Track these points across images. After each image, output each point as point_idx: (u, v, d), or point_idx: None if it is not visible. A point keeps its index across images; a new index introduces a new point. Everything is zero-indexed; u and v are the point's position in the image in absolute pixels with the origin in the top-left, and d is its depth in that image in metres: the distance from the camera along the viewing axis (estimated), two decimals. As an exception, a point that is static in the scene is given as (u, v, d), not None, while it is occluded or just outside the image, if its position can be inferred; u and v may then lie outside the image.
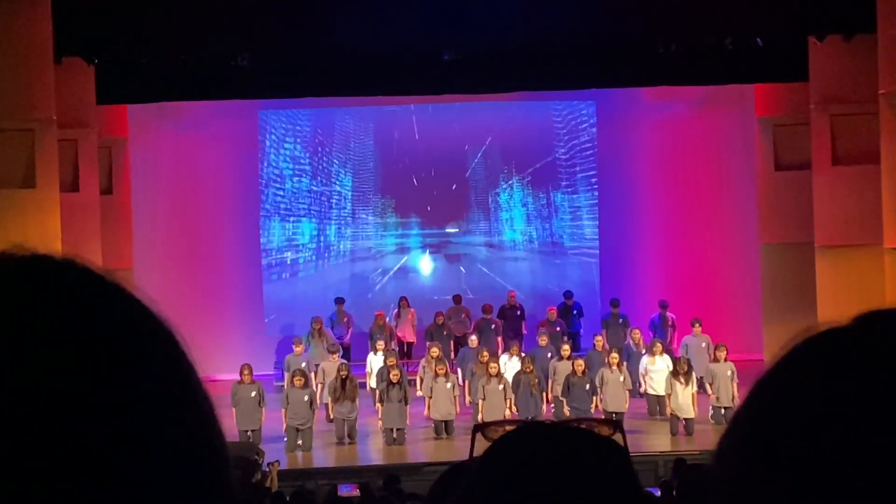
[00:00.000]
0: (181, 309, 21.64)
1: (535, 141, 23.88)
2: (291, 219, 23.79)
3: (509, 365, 18.40)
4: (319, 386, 18.52)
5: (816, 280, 19.36)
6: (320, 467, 16.58)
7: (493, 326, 21.20)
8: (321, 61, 19.13)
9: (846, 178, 19.01)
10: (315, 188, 23.80)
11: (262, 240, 23.68)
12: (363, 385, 18.75)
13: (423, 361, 18.96)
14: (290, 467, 16.13)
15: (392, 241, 24.06)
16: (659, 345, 18.69)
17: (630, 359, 19.05)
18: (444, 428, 17.68)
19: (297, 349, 19.27)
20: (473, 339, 19.86)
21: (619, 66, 19.71)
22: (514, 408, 17.65)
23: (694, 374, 17.83)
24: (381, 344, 19.73)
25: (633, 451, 12.36)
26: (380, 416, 17.60)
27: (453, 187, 23.87)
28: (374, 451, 17.57)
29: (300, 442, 17.21)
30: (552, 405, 18.18)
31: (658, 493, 12.02)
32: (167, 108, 21.69)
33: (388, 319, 21.81)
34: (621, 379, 17.84)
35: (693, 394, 17.62)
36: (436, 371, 17.89)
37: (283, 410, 17.37)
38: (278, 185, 23.71)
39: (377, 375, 18.54)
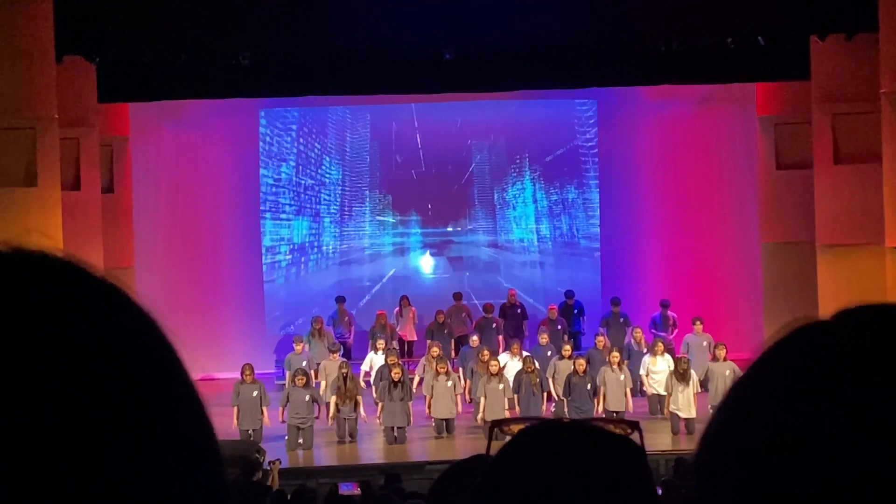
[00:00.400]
0: (182, 307, 21.68)
1: (536, 140, 23.88)
2: (293, 217, 23.80)
3: (510, 364, 18.40)
4: (323, 383, 18.51)
5: (818, 279, 19.34)
6: (321, 466, 16.58)
7: (493, 325, 21.21)
8: (322, 60, 19.14)
9: (848, 177, 19.00)
10: (317, 187, 23.81)
11: (263, 238, 23.69)
12: (366, 384, 18.75)
13: (423, 360, 18.97)
14: (291, 466, 16.14)
15: (394, 239, 24.07)
16: (661, 344, 18.69)
17: (631, 358, 19.05)
18: (444, 427, 17.68)
19: (298, 348, 19.29)
20: (475, 339, 19.88)
21: (620, 64, 19.70)
22: (516, 407, 17.66)
23: (695, 373, 17.84)
24: (381, 342, 19.74)
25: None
26: (378, 415, 17.60)
27: (455, 187, 23.87)
28: (375, 450, 17.57)
29: (301, 441, 17.22)
30: (553, 404, 18.18)
31: (660, 492, 12.04)
32: (168, 107, 21.69)
33: (388, 318, 21.82)
34: (622, 378, 17.84)
35: (694, 393, 17.62)
36: (436, 370, 17.89)
37: (281, 409, 17.39)
38: (280, 184, 23.71)
39: (377, 374, 18.54)
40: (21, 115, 16.50)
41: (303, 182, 23.76)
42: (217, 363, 21.79)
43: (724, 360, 18.02)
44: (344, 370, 17.82)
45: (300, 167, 23.73)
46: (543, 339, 19.53)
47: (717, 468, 0.91)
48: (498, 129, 23.78)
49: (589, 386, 17.68)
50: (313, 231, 23.92)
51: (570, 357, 18.26)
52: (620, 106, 23.41)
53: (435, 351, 18.64)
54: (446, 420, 17.69)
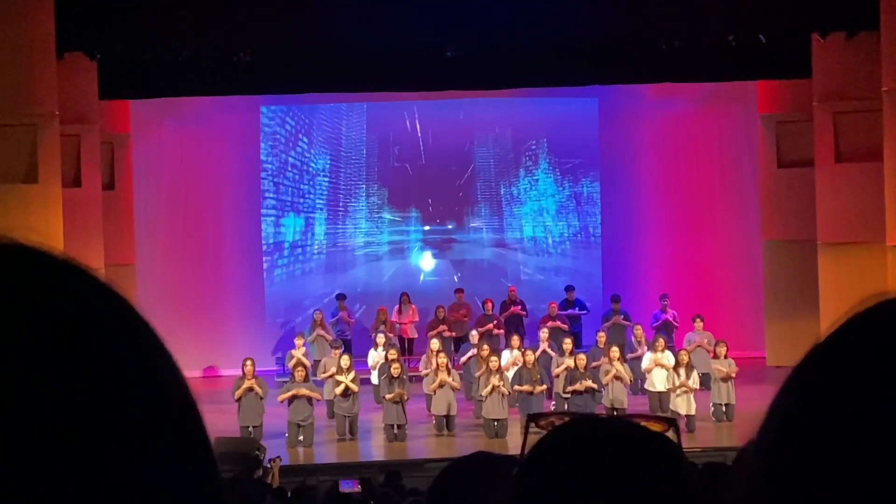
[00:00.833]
0: (182, 304, 21.71)
1: (536, 138, 23.88)
2: (294, 214, 23.80)
3: (510, 360, 18.39)
4: (324, 380, 18.49)
5: (819, 277, 19.34)
6: (321, 463, 16.57)
7: (493, 322, 21.22)
8: (324, 57, 19.13)
9: (849, 176, 18.99)
10: (319, 184, 23.81)
11: (264, 235, 23.69)
12: (366, 381, 18.74)
13: (424, 358, 18.97)
14: (291, 463, 16.13)
15: (396, 237, 24.06)
16: (661, 341, 18.68)
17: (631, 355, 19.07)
18: (445, 424, 17.67)
19: (299, 344, 19.29)
20: (474, 335, 19.90)
21: (621, 62, 19.69)
22: (515, 404, 17.66)
23: (695, 371, 17.83)
24: (381, 338, 19.76)
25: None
26: (384, 395, 17.42)
27: (456, 184, 23.87)
28: (375, 448, 17.57)
29: (301, 438, 17.21)
30: (553, 402, 18.18)
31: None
32: (169, 104, 21.68)
33: (389, 315, 21.83)
34: (626, 374, 17.84)
35: (694, 391, 17.62)
36: (437, 364, 17.87)
37: (284, 397, 17.25)
38: (281, 180, 23.70)
39: (379, 371, 18.54)
40: (22, 111, 16.50)
41: (304, 179, 23.75)
42: (217, 360, 21.82)
43: (725, 357, 18.02)
44: (345, 365, 17.76)
45: (301, 164, 23.72)
46: (544, 335, 19.53)
47: (786, 454, 0.85)
48: (499, 128, 23.77)
49: (590, 383, 17.67)
50: (315, 228, 23.91)
51: (570, 353, 18.26)
52: (622, 104, 23.39)
53: (434, 344, 18.66)
54: (447, 417, 17.68)
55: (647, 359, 18.53)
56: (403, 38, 18.60)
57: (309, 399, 17.26)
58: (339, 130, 23.75)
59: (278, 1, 18.20)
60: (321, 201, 23.85)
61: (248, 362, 17.55)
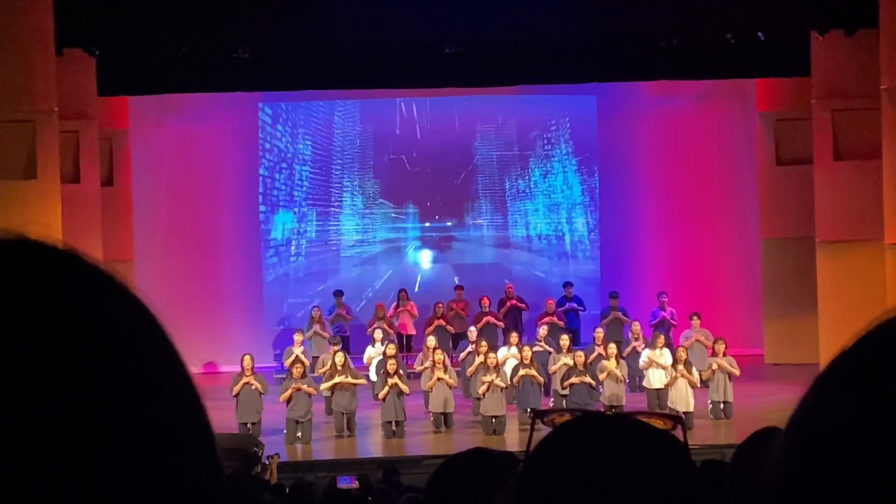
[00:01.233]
0: (181, 301, 21.68)
1: (535, 136, 23.87)
2: (293, 210, 23.79)
3: (508, 356, 18.39)
4: (320, 370, 18.49)
5: (817, 275, 19.34)
6: (320, 460, 16.57)
7: (491, 319, 21.21)
8: (322, 54, 19.12)
9: (847, 174, 18.99)
10: (317, 180, 23.80)
11: (263, 231, 23.68)
12: (366, 377, 18.74)
13: (420, 355, 18.96)
14: (289, 459, 16.13)
15: (395, 235, 24.05)
16: (661, 338, 18.67)
17: (629, 352, 19.07)
18: (443, 421, 17.66)
19: (298, 340, 19.28)
20: (473, 331, 19.89)
21: (620, 60, 19.69)
22: (513, 400, 17.66)
23: (694, 368, 17.83)
24: (378, 333, 19.75)
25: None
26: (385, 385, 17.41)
27: (455, 181, 23.86)
28: (373, 444, 17.57)
29: (300, 434, 17.20)
30: (551, 399, 18.17)
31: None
32: (168, 100, 21.68)
33: (387, 311, 21.82)
34: (619, 372, 17.83)
35: (692, 388, 17.60)
36: (433, 361, 17.85)
37: (285, 397, 17.27)
38: (279, 177, 23.70)
39: (376, 367, 18.53)
40: (21, 107, 16.49)
41: (304, 175, 23.75)
42: (216, 356, 21.82)
43: (724, 355, 18.01)
44: (340, 361, 17.74)
45: (301, 160, 23.71)
46: (542, 331, 19.53)
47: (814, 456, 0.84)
48: (497, 125, 23.76)
49: (588, 379, 17.67)
50: (313, 224, 23.91)
51: (568, 350, 18.25)
52: (620, 101, 23.39)
53: (431, 341, 18.65)
54: (445, 414, 17.67)
55: (645, 357, 18.53)
56: (402, 36, 18.60)
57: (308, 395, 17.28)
58: (337, 127, 23.73)
59: (277, -3, 18.21)
60: (320, 197, 23.84)
61: (247, 358, 17.52)
